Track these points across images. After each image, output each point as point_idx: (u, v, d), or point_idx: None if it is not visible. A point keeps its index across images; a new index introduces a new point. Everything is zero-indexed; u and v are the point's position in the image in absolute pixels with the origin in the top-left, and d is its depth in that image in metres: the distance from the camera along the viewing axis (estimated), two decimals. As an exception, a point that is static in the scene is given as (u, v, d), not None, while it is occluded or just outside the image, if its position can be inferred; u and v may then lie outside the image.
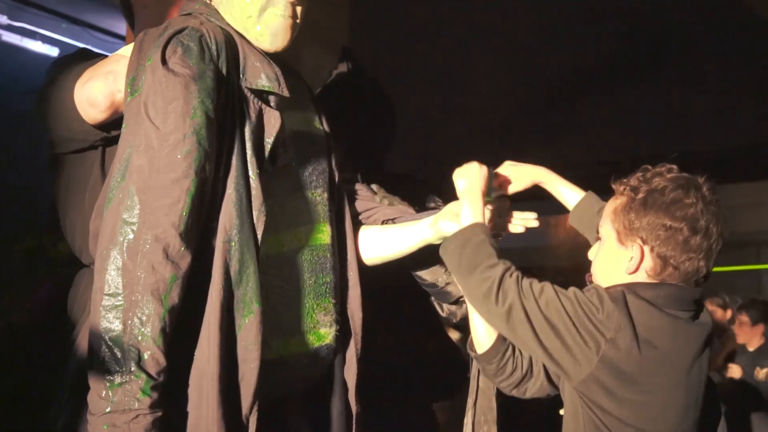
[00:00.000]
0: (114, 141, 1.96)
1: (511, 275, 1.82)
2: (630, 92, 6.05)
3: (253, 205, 1.72)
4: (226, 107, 1.72)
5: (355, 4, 5.91)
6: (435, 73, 6.34)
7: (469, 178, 1.96)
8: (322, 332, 1.90)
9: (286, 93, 1.81)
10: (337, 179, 2.02)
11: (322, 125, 2.02)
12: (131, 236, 1.58)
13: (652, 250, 1.84)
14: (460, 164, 2.00)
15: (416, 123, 6.53)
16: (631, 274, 1.86)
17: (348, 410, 1.98)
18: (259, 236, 1.72)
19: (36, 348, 3.60)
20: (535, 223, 2.16)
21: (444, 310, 2.38)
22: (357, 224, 2.14)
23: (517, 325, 1.78)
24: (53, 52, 7.56)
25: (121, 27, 6.64)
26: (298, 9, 1.90)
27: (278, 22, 1.87)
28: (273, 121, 1.79)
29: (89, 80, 1.89)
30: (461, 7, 5.91)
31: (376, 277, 2.11)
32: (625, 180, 1.93)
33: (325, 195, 1.95)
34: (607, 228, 1.91)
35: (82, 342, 1.85)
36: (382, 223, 2.17)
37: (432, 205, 2.39)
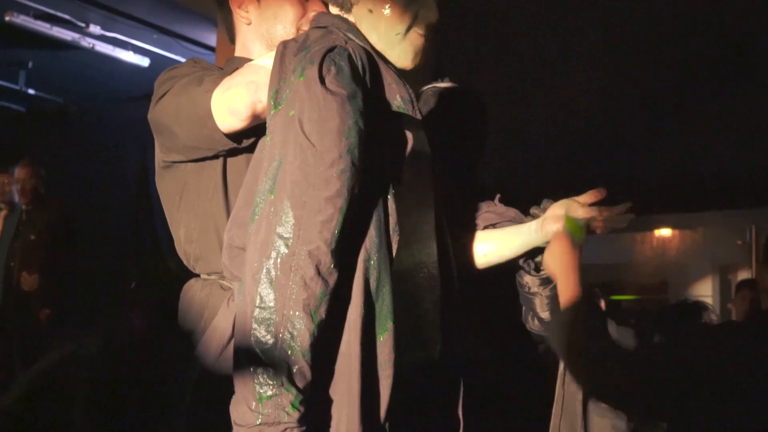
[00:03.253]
0: (238, 152, 1.99)
1: None
2: (735, 101, 5.94)
3: (389, 223, 1.75)
4: (370, 127, 1.73)
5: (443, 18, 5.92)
6: (528, 82, 6.33)
7: (560, 258, 2.04)
8: (430, 348, 1.90)
9: (418, 115, 1.83)
10: (442, 197, 2.02)
11: (426, 138, 2.03)
12: (285, 251, 1.61)
13: None
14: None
15: (508, 132, 6.52)
16: None
17: (453, 421, 1.98)
18: (394, 254, 1.74)
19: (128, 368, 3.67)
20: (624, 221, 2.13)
21: (530, 321, 2.37)
22: (459, 230, 2.14)
23: None
24: (144, 62, 7.72)
25: (210, 38, 6.75)
26: (435, 29, 1.94)
27: (420, 41, 1.91)
28: (407, 140, 1.81)
29: (229, 89, 1.91)
30: (554, 16, 5.89)
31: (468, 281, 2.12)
32: None
33: (431, 212, 1.95)
34: None
35: (204, 352, 1.88)
36: (484, 228, 2.17)
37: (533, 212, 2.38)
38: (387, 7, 1.89)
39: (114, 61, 7.66)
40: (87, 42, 7.32)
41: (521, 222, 2.19)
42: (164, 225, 2.20)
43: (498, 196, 2.27)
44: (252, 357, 1.60)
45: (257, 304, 1.60)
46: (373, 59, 1.83)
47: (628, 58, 6.18)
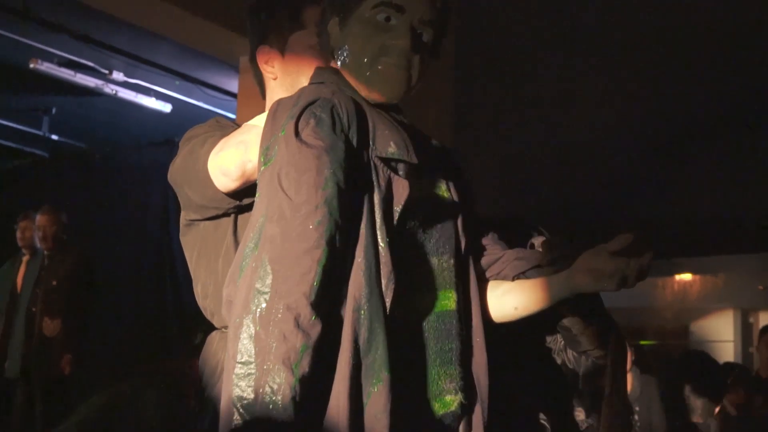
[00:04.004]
0: (245, 209, 2.01)
1: None
2: (756, 144, 5.93)
3: (381, 273, 1.73)
4: (356, 177, 1.73)
5: (460, 58, 5.96)
6: (546, 124, 6.34)
7: None
8: (447, 399, 1.87)
9: (414, 160, 1.81)
10: (464, 245, 2.00)
11: (450, 190, 2.01)
12: (264, 305, 1.61)
13: None
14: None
15: (523, 175, 6.53)
16: None
17: None
18: (388, 304, 1.72)
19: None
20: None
21: (564, 357, 2.34)
22: (485, 281, 2.12)
23: None
24: (166, 107, 7.80)
25: (232, 84, 6.82)
26: (414, 59, 1.88)
27: (391, 71, 1.87)
28: (401, 189, 1.80)
29: (222, 150, 1.94)
30: (569, 58, 5.91)
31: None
32: None
33: (452, 261, 1.93)
34: None
35: (214, 404, 1.88)
36: (513, 278, 2.14)
37: (534, 241, 2.34)
38: (352, 41, 1.89)
39: (136, 107, 7.74)
40: (110, 88, 7.40)
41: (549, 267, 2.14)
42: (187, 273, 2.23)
43: (530, 242, 2.25)
44: (234, 412, 1.58)
45: (238, 360, 1.60)
46: (362, 108, 1.83)
47: (648, 100, 6.20)
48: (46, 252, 6.19)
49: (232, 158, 1.92)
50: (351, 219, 1.71)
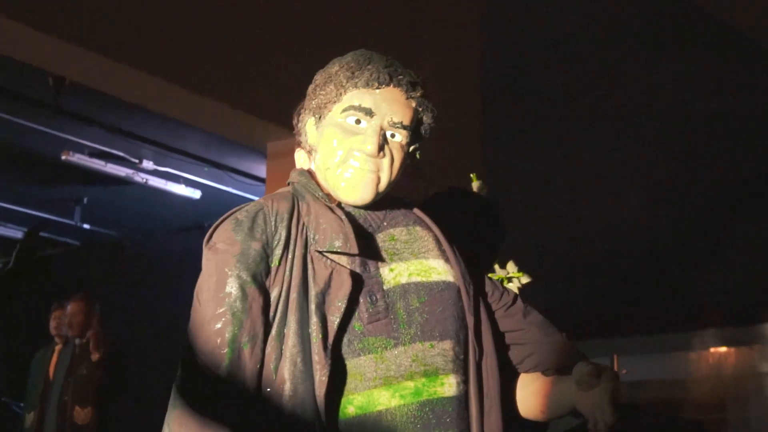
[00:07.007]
0: None
1: None
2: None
3: (314, 369, 1.71)
4: (280, 276, 1.76)
5: (487, 131, 6.02)
6: (582, 201, 6.36)
7: None
8: None
9: (354, 250, 1.79)
10: (471, 325, 1.94)
11: (450, 269, 1.93)
12: (178, 409, 1.67)
13: None
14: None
15: (560, 249, 6.52)
16: None
17: None
18: (322, 399, 1.70)
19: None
20: None
21: None
22: (513, 371, 2.05)
23: None
24: (195, 194, 7.89)
25: (260, 169, 6.90)
26: (383, 162, 1.87)
27: (357, 175, 1.86)
28: (344, 281, 1.78)
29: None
30: (604, 131, 5.94)
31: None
32: None
33: (447, 344, 1.85)
34: None
35: None
36: (544, 372, 2.06)
37: None
38: (323, 144, 1.89)
39: (166, 194, 7.85)
40: (140, 177, 7.51)
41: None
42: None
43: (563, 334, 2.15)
44: None
45: None
46: (303, 206, 1.85)
47: (681, 174, 6.21)
48: (76, 341, 6.21)
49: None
50: (264, 317, 1.74)
